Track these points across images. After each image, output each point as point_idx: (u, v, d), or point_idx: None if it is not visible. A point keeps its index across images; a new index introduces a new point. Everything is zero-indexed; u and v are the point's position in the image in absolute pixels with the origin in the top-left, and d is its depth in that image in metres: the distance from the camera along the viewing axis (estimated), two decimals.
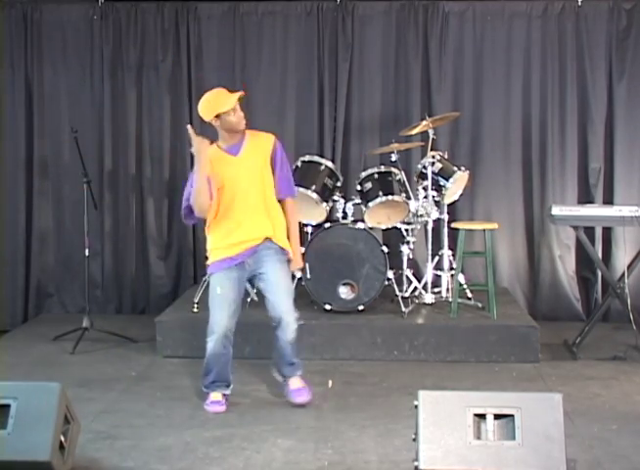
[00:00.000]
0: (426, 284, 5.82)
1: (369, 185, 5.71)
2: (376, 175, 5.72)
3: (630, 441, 3.90)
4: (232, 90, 4.35)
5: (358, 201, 5.78)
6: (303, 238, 5.30)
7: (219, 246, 4.33)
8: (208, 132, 4.36)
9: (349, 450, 3.79)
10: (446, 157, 5.91)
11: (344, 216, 5.75)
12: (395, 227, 5.90)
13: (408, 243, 5.87)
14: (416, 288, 5.82)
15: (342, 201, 5.80)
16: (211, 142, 4.27)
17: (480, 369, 5.12)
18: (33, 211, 6.69)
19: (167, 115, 6.67)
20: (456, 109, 6.40)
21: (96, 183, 6.43)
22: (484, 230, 5.62)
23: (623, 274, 5.36)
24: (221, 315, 4.34)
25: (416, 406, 3.17)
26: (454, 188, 5.85)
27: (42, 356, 5.48)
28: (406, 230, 5.89)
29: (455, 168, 5.81)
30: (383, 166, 5.81)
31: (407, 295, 5.76)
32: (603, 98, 6.45)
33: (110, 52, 6.60)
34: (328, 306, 5.53)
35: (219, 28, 6.63)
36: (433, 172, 5.75)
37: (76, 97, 6.66)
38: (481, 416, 3.14)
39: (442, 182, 5.79)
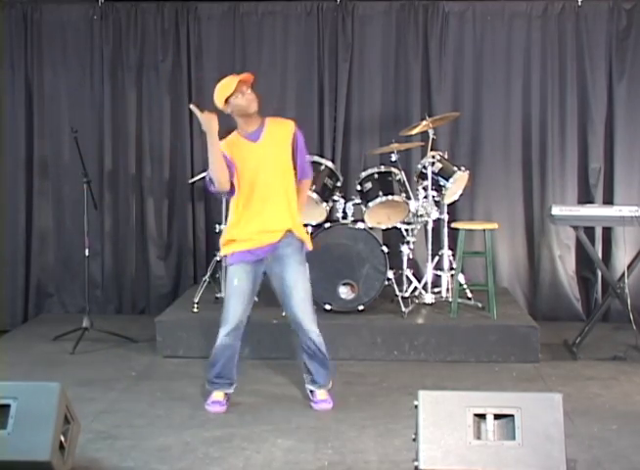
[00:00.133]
0: (426, 284, 5.82)
1: (369, 185, 5.71)
2: (376, 175, 5.72)
3: (630, 441, 3.90)
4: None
5: (358, 201, 5.78)
6: None
7: (239, 237, 4.29)
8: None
9: (349, 450, 3.79)
10: (446, 157, 5.91)
11: (344, 216, 5.76)
12: (395, 227, 5.90)
13: (408, 243, 5.87)
14: (416, 288, 5.82)
15: (342, 201, 5.81)
16: (228, 132, 4.26)
17: (479, 369, 5.12)
18: (33, 211, 6.69)
19: (167, 115, 6.67)
20: (456, 109, 6.40)
21: (96, 183, 6.44)
22: (484, 230, 5.63)
23: (623, 274, 5.36)
24: (235, 307, 4.32)
25: (416, 406, 3.17)
26: (454, 188, 5.85)
27: (42, 356, 5.47)
28: (406, 230, 5.89)
29: (455, 168, 5.81)
30: (383, 166, 5.81)
31: (407, 295, 5.76)
32: (603, 98, 6.45)
33: (110, 52, 6.60)
34: (328, 307, 5.53)
35: (219, 28, 6.63)
36: (433, 172, 5.75)
37: (76, 97, 6.66)
38: (481, 416, 3.14)
39: (442, 182, 5.79)
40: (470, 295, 5.92)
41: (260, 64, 6.58)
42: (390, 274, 5.57)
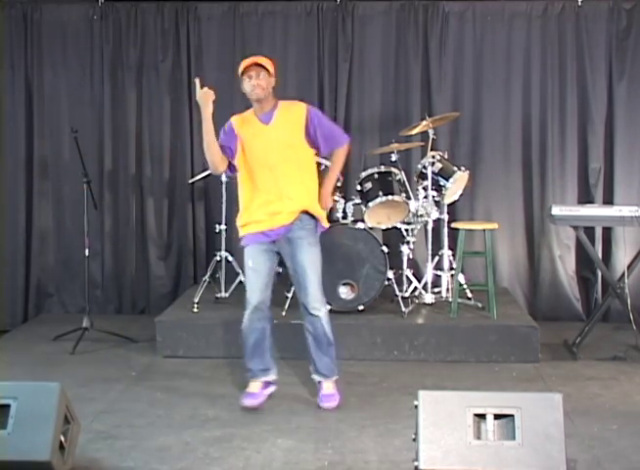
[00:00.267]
0: (426, 284, 5.82)
1: (369, 185, 5.70)
2: (376, 175, 5.72)
3: (630, 441, 3.90)
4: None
5: (358, 201, 5.78)
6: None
7: (251, 219, 4.31)
8: None
9: (349, 450, 3.79)
10: (446, 157, 5.90)
11: (344, 216, 5.76)
12: (395, 227, 5.89)
13: (408, 243, 5.86)
14: (416, 288, 5.82)
15: (343, 201, 5.81)
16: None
17: (479, 369, 5.13)
18: (33, 211, 6.69)
19: (167, 115, 6.67)
20: (456, 109, 6.40)
21: (96, 183, 6.44)
22: (484, 230, 5.63)
23: (623, 274, 5.36)
24: (253, 287, 4.35)
25: (416, 406, 3.18)
26: (454, 188, 5.85)
27: (42, 356, 5.48)
28: (406, 230, 5.89)
29: (455, 168, 5.80)
30: (383, 166, 5.81)
31: (407, 295, 5.76)
32: (603, 98, 6.45)
33: (110, 52, 6.60)
34: (328, 306, 5.51)
35: (219, 28, 6.63)
36: (433, 172, 5.75)
37: (76, 97, 6.66)
38: (481, 416, 3.15)
39: (442, 182, 5.78)
40: (470, 295, 5.92)
41: None
42: (390, 274, 5.57)
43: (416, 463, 3.11)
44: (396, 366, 5.19)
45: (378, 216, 5.72)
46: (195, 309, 5.67)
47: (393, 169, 5.78)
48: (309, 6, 6.58)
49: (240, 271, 5.89)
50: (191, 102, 6.58)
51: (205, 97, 4.16)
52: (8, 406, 3.25)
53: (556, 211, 5.26)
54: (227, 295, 5.94)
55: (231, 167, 4.37)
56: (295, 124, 4.29)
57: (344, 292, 5.53)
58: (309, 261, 4.32)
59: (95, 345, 5.62)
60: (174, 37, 6.62)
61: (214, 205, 6.49)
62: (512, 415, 3.13)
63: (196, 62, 6.61)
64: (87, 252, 5.79)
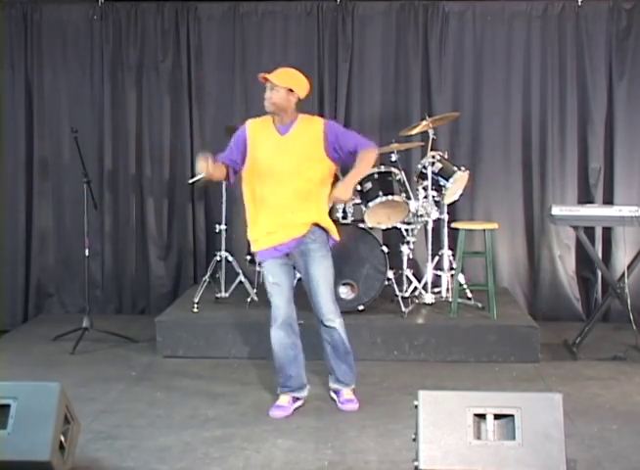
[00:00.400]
0: (426, 284, 5.82)
1: (369, 185, 5.70)
2: (376, 175, 5.71)
3: (630, 441, 3.90)
4: (266, 78, 4.23)
5: (358, 201, 5.77)
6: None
7: (261, 234, 4.28)
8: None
9: (349, 450, 3.79)
10: (446, 157, 5.90)
11: (344, 216, 5.75)
12: (395, 227, 5.89)
13: (408, 243, 5.86)
14: (416, 288, 5.82)
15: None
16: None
17: (479, 369, 5.12)
18: (33, 211, 6.69)
19: (167, 115, 6.67)
20: (456, 109, 6.40)
21: (96, 183, 6.44)
22: (484, 230, 5.62)
23: (623, 274, 5.36)
24: (278, 302, 4.30)
25: (416, 406, 3.17)
26: (454, 188, 5.85)
27: (42, 356, 5.47)
28: (406, 230, 5.89)
29: (455, 168, 5.80)
30: (383, 166, 5.80)
31: (407, 295, 5.76)
32: (603, 98, 6.45)
33: (110, 52, 6.60)
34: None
35: (219, 28, 6.63)
36: (433, 172, 5.75)
37: (76, 97, 6.66)
38: (481, 416, 3.14)
39: (442, 182, 5.78)
40: (470, 295, 5.92)
41: (260, 64, 6.55)
42: (390, 274, 5.57)
43: (416, 463, 3.11)
44: (396, 366, 5.19)
45: (378, 216, 5.71)
46: (195, 309, 5.67)
47: (393, 169, 5.77)
48: (309, 6, 6.57)
49: (240, 271, 5.90)
50: (191, 102, 6.59)
51: (209, 168, 4.14)
52: (8, 406, 3.25)
53: (556, 211, 5.26)
54: (227, 295, 5.94)
55: (229, 178, 4.36)
56: (313, 138, 4.23)
57: (344, 292, 5.53)
58: (322, 275, 4.29)
59: (95, 345, 5.62)
60: (174, 37, 6.62)
61: (214, 205, 6.49)
62: (512, 415, 3.13)
63: (196, 62, 6.61)
64: (87, 252, 5.79)
